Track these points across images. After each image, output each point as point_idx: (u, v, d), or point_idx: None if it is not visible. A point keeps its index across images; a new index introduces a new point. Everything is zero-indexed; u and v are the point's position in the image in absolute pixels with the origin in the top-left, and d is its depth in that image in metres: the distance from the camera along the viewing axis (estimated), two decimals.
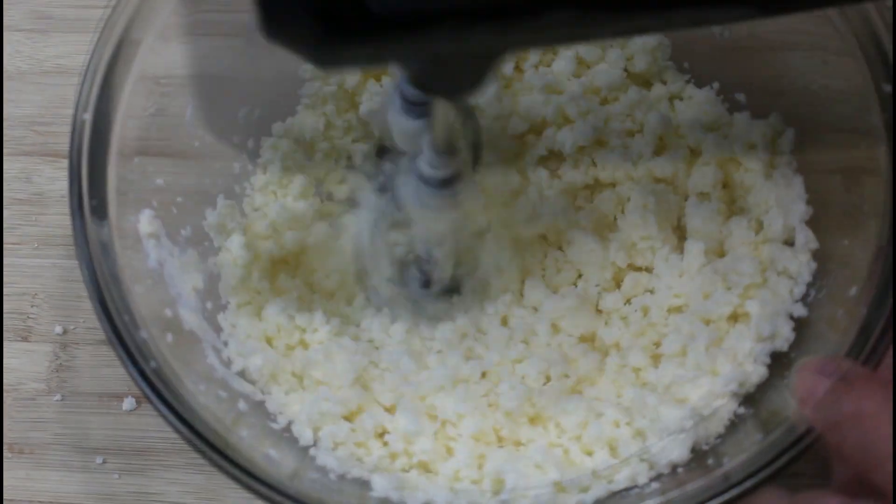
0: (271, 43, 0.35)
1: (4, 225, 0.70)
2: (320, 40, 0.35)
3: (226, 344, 0.59)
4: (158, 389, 0.50)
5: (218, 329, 0.60)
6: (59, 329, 0.67)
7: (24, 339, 0.67)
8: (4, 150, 0.73)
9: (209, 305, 0.60)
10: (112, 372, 0.65)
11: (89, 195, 0.56)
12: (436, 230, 0.60)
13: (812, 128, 0.59)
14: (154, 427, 0.64)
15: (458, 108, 0.52)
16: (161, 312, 0.56)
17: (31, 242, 0.70)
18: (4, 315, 0.68)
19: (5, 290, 0.69)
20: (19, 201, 0.71)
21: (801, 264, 0.57)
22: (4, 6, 0.77)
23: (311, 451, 0.56)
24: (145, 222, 0.58)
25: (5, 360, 0.67)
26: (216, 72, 0.64)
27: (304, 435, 0.57)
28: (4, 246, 0.70)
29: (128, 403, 0.64)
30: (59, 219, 0.70)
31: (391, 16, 0.34)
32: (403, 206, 0.57)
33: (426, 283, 0.64)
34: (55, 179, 0.71)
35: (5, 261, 0.69)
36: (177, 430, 0.49)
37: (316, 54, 0.36)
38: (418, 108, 0.48)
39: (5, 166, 0.72)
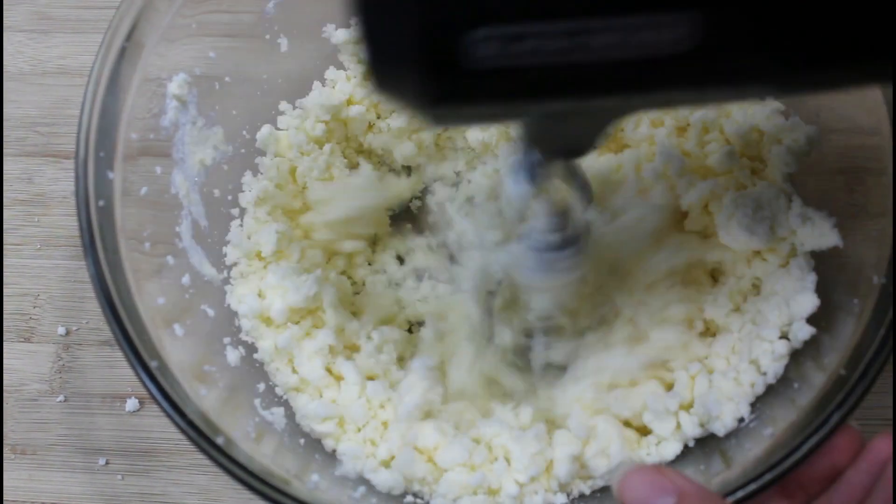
0: (380, 95, 0.35)
1: (6, 226, 0.70)
2: (429, 99, 0.34)
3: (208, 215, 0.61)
4: (161, 385, 0.50)
5: (209, 203, 0.61)
6: (61, 330, 0.67)
7: (27, 340, 0.67)
8: (6, 151, 0.72)
9: (208, 182, 0.61)
10: (115, 373, 0.65)
11: (126, 35, 0.55)
12: (561, 296, 0.59)
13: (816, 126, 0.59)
14: (157, 428, 0.64)
15: (568, 168, 0.51)
16: (150, 168, 0.57)
17: (34, 243, 0.70)
18: (6, 316, 0.68)
19: (7, 291, 0.68)
20: (21, 202, 0.71)
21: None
22: (5, 7, 0.77)
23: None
24: (176, 84, 0.59)
25: (7, 361, 0.67)
26: None
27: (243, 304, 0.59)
28: (6, 246, 0.70)
29: (131, 404, 0.64)
30: (62, 219, 0.70)
31: (494, 75, 0.33)
32: (525, 283, 0.57)
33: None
34: (57, 180, 0.71)
35: (7, 261, 0.69)
36: (176, 425, 0.49)
37: (425, 111, 0.36)
38: (533, 173, 0.48)
39: (7, 167, 0.72)
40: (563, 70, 0.33)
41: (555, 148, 0.44)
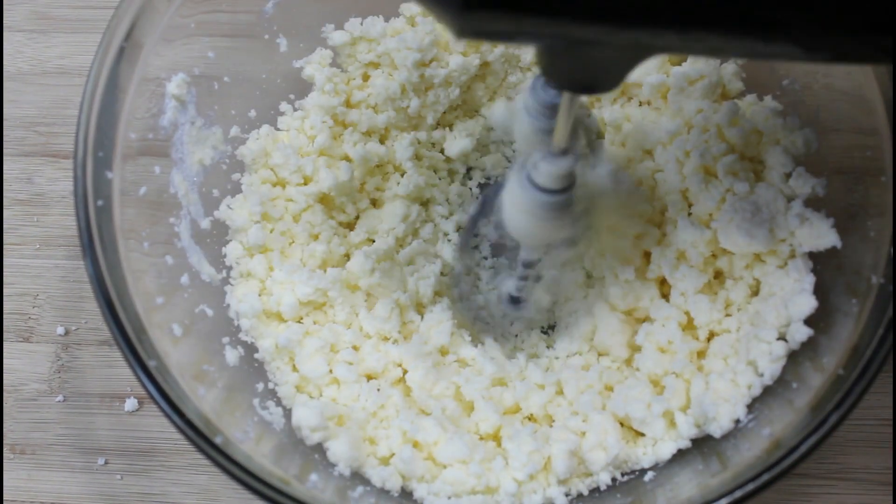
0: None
1: (5, 225, 0.70)
2: (464, 6, 0.34)
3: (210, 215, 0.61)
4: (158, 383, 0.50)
5: (208, 203, 0.61)
6: (60, 330, 0.67)
7: (26, 340, 0.67)
8: (5, 151, 0.73)
9: (207, 181, 0.62)
10: (114, 373, 0.66)
11: (125, 35, 0.55)
12: (543, 241, 0.58)
13: (814, 127, 0.59)
14: (156, 428, 0.64)
15: (580, 109, 0.51)
16: (149, 168, 0.57)
17: (33, 243, 0.70)
18: (5, 316, 0.68)
19: (7, 291, 0.68)
20: (20, 202, 0.71)
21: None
22: (5, 7, 0.77)
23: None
24: (175, 84, 0.59)
25: (7, 361, 0.67)
26: None
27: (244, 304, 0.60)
28: (5, 246, 0.70)
29: (130, 404, 0.64)
30: (61, 219, 0.70)
31: None
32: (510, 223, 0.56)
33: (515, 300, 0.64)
34: (56, 180, 0.71)
35: (7, 261, 0.69)
36: (175, 425, 0.50)
37: (458, 21, 0.35)
38: (545, 110, 0.49)
39: (6, 167, 0.72)
40: None
41: (572, 81, 0.43)
